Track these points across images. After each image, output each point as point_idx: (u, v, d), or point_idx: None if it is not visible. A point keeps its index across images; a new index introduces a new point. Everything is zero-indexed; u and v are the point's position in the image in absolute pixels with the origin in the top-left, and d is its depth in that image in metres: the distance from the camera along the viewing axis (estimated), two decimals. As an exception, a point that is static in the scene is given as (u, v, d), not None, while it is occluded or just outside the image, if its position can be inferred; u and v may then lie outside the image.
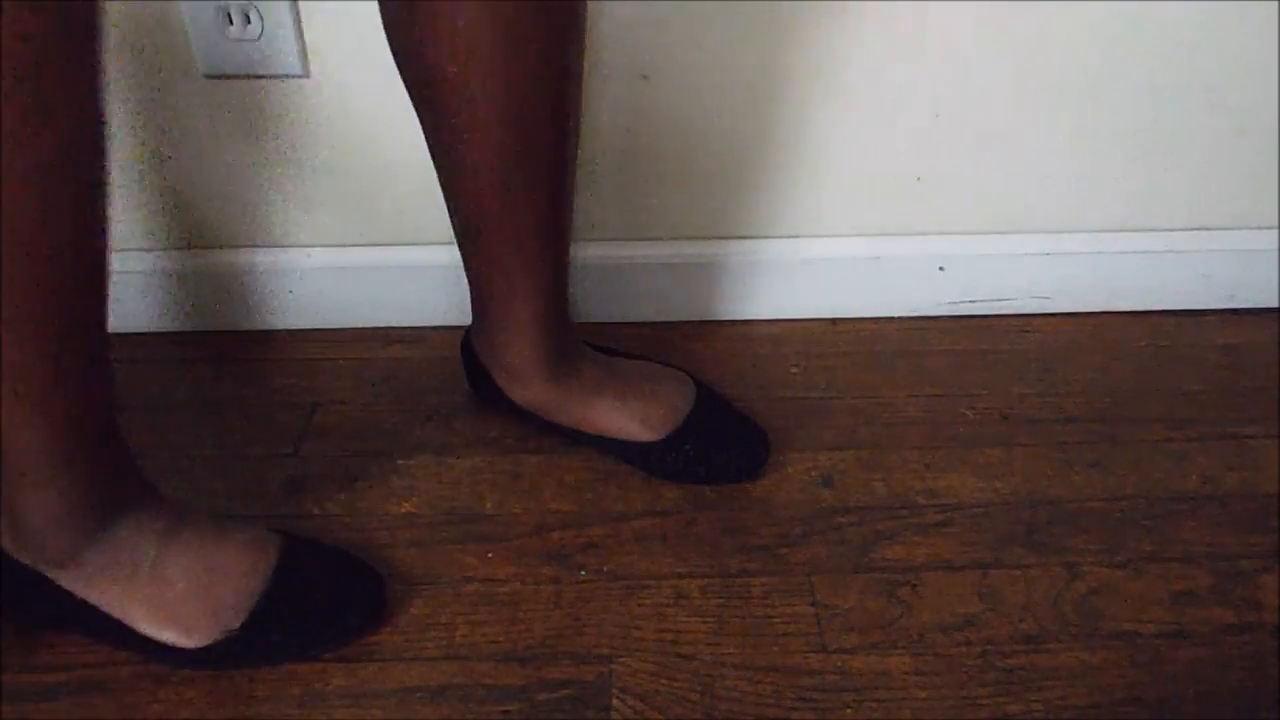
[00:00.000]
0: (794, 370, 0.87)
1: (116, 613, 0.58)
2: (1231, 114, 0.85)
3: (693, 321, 0.93)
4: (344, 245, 0.89)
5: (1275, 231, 0.92)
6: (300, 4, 0.76)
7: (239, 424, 0.81)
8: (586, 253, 0.89)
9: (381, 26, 0.78)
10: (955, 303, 0.94)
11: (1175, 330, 0.93)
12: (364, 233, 0.88)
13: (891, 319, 0.94)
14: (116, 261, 0.88)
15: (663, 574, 0.68)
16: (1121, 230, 0.92)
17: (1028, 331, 0.93)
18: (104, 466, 0.57)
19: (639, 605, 0.65)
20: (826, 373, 0.87)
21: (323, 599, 0.62)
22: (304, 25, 0.77)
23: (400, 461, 0.77)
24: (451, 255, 0.89)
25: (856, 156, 0.86)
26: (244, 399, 0.84)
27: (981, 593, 0.67)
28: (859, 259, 0.91)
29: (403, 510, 0.73)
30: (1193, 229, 0.92)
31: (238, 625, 0.59)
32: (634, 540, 0.70)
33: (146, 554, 0.59)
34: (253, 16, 0.76)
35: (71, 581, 0.58)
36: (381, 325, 0.92)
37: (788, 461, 0.77)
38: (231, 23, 0.76)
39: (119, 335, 0.91)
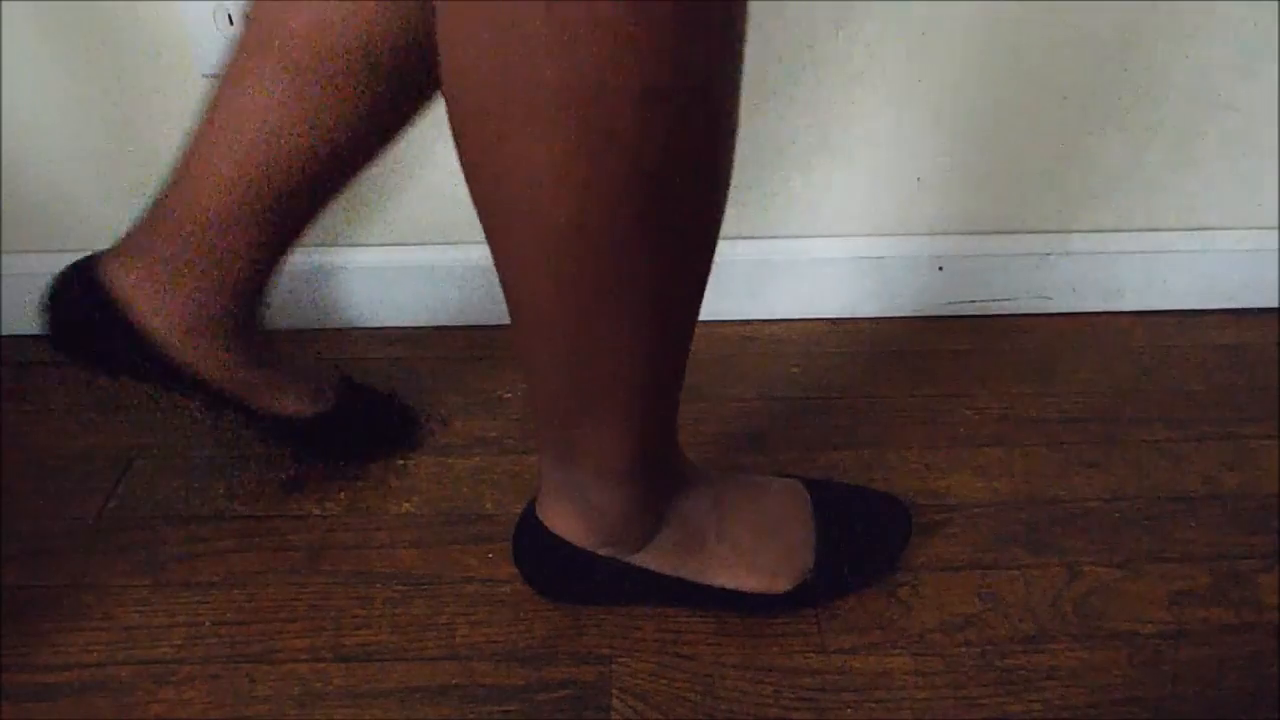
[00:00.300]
0: (794, 370, 0.87)
1: (700, 578, 0.63)
2: (1232, 114, 0.85)
3: (693, 321, 0.93)
4: (344, 245, 0.89)
5: (1275, 231, 0.92)
6: (300, 4, 0.76)
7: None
8: (586, 253, 0.89)
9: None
10: (955, 303, 0.94)
11: (1175, 330, 0.93)
12: (364, 233, 0.88)
13: (891, 319, 0.94)
14: (116, 261, 0.88)
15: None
16: (1121, 230, 0.92)
17: (1028, 331, 0.93)
18: (669, 458, 0.61)
19: (639, 605, 0.65)
20: (826, 373, 0.87)
21: (864, 534, 0.66)
22: (304, 25, 0.77)
23: (400, 461, 0.77)
24: (451, 255, 0.89)
25: (856, 156, 0.86)
26: (244, 399, 0.84)
27: (981, 593, 0.67)
28: (859, 259, 0.91)
29: (403, 510, 0.73)
30: (1193, 229, 0.92)
31: (813, 564, 0.64)
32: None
33: (710, 522, 0.63)
34: (253, 16, 0.76)
35: (651, 562, 0.63)
36: (381, 325, 0.92)
37: (788, 462, 0.77)
38: (231, 22, 0.76)
39: (119, 335, 0.91)
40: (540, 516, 0.62)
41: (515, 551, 0.65)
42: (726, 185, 0.47)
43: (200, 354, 0.65)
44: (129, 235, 0.64)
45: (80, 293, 0.64)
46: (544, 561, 0.64)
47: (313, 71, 0.56)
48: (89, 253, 0.65)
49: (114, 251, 0.64)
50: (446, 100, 0.42)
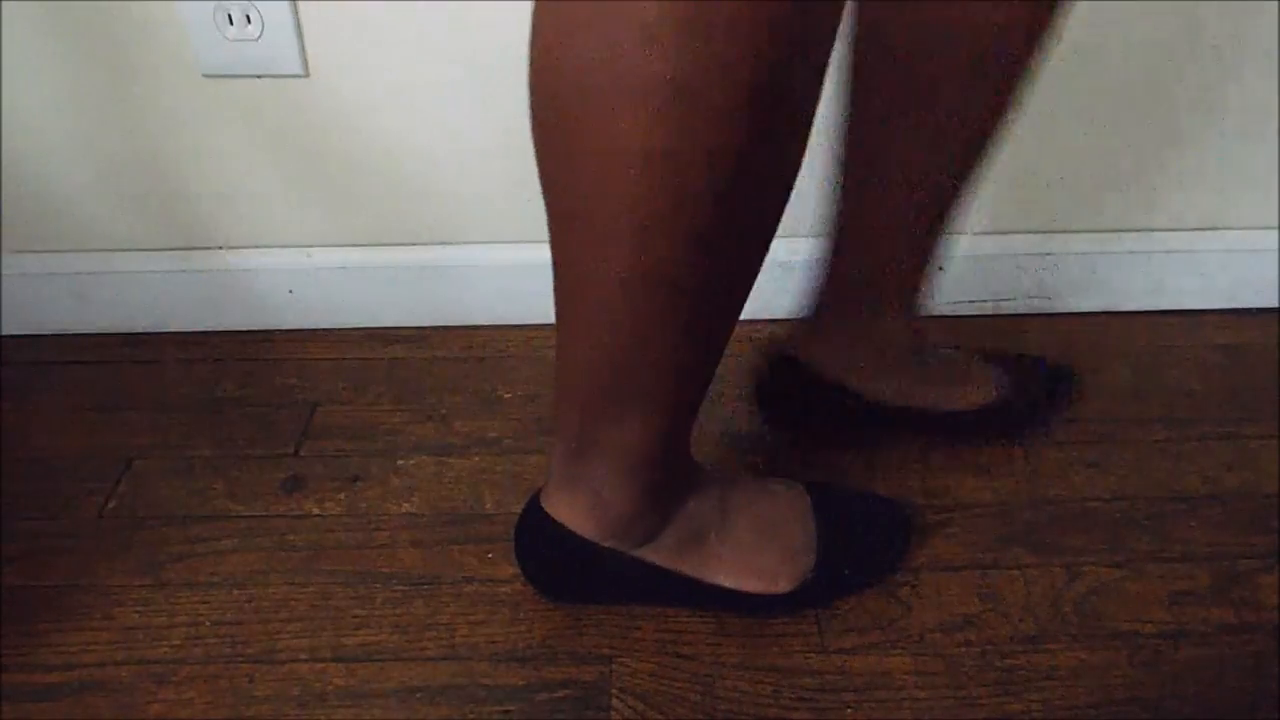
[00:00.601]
0: (794, 370, 0.87)
1: (699, 575, 0.63)
2: (1231, 114, 0.85)
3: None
4: (344, 245, 0.89)
5: (1275, 231, 0.92)
6: (300, 4, 0.76)
7: (239, 424, 0.81)
8: (586, 253, 0.89)
9: (381, 27, 0.78)
10: (955, 303, 0.94)
11: (1175, 330, 0.93)
12: (364, 233, 0.88)
13: (891, 319, 0.94)
14: (117, 261, 0.88)
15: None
16: (1121, 230, 0.92)
17: (1028, 332, 0.93)
18: (681, 457, 0.62)
19: (639, 605, 0.65)
20: (826, 373, 0.87)
21: (865, 538, 0.67)
22: (304, 25, 0.77)
23: (400, 461, 0.77)
24: (451, 255, 0.89)
25: (856, 156, 0.86)
26: (244, 399, 0.84)
27: (981, 593, 0.67)
28: (859, 259, 0.91)
29: (403, 510, 0.73)
30: (1193, 229, 0.92)
31: (813, 565, 0.64)
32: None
33: (712, 521, 0.64)
34: (253, 16, 0.76)
35: (655, 556, 0.63)
36: (381, 325, 0.92)
37: (788, 462, 0.77)
38: (231, 23, 0.76)
39: (120, 335, 0.91)
40: (545, 507, 0.62)
41: (517, 543, 0.65)
42: (794, 181, 0.48)
43: (878, 387, 0.74)
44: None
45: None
46: (546, 553, 0.64)
47: None
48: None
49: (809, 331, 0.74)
50: (539, 84, 0.43)
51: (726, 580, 0.63)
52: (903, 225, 0.66)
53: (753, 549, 0.64)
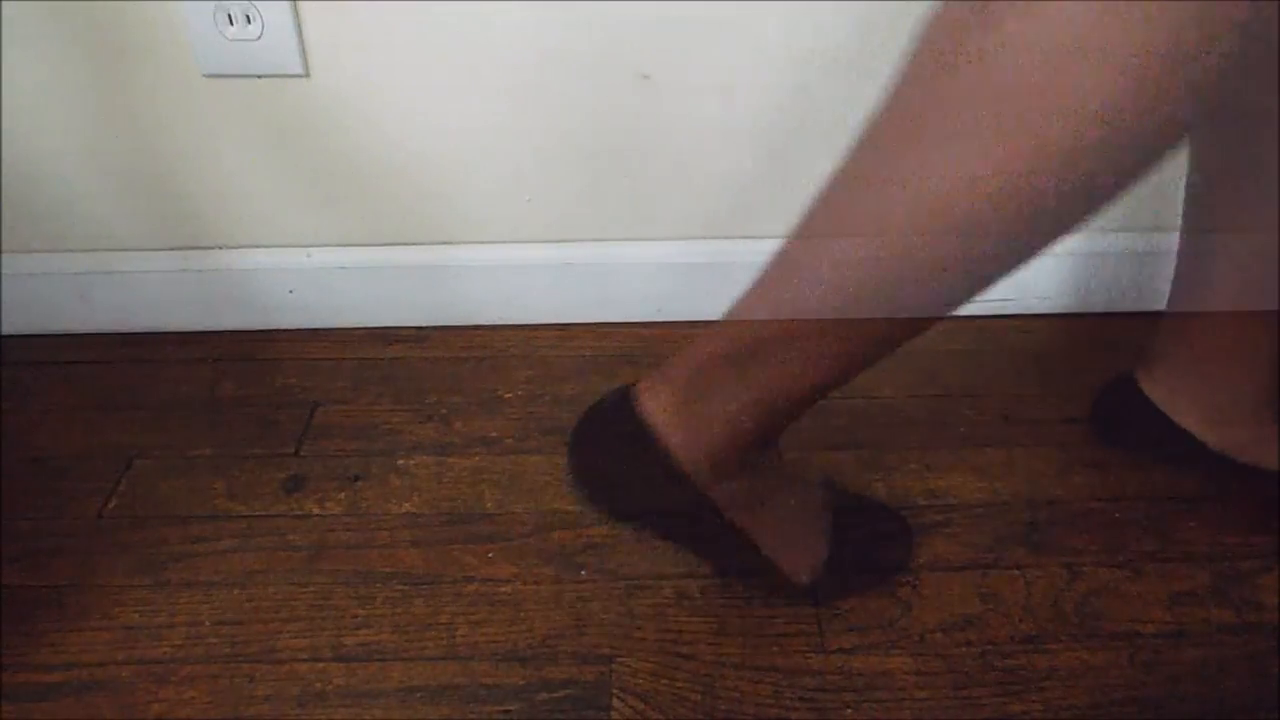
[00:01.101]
0: (794, 370, 0.87)
1: (750, 533, 0.63)
2: (1231, 114, 0.85)
3: (693, 321, 0.93)
4: (344, 245, 0.89)
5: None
6: (300, 4, 0.76)
7: (239, 424, 0.81)
8: (587, 253, 0.89)
9: (381, 27, 0.78)
10: (955, 303, 0.94)
11: (1175, 330, 0.93)
12: (364, 233, 0.88)
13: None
14: (117, 261, 0.88)
15: (663, 574, 0.68)
16: (1121, 230, 0.91)
17: (1028, 332, 0.93)
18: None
19: (639, 605, 0.65)
20: (826, 373, 0.87)
21: (867, 536, 0.68)
22: (304, 25, 0.77)
23: (400, 461, 0.77)
24: (451, 255, 0.89)
25: (856, 156, 0.86)
26: (244, 399, 0.84)
27: (981, 593, 0.67)
28: (859, 259, 0.91)
29: (403, 510, 0.73)
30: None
31: (825, 560, 0.65)
32: (635, 540, 0.70)
33: (763, 495, 0.63)
34: (253, 16, 0.76)
35: (718, 499, 0.61)
36: (381, 325, 0.92)
37: (788, 462, 0.77)
38: (231, 23, 0.76)
39: (120, 335, 0.91)
40: (641, 404, 0.59)
41: (582, 430, 0.62)
42: None
43: (1222, 437, 0.71)
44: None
45: None
46: (615, 448, 0.60)
47: None
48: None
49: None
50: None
51: (770, 551, 0.63)
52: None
53: (789, 534, 0.64)
